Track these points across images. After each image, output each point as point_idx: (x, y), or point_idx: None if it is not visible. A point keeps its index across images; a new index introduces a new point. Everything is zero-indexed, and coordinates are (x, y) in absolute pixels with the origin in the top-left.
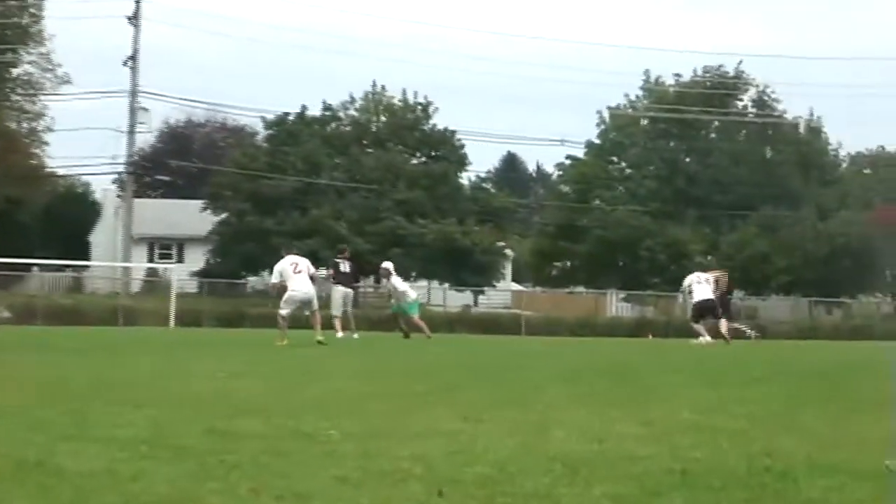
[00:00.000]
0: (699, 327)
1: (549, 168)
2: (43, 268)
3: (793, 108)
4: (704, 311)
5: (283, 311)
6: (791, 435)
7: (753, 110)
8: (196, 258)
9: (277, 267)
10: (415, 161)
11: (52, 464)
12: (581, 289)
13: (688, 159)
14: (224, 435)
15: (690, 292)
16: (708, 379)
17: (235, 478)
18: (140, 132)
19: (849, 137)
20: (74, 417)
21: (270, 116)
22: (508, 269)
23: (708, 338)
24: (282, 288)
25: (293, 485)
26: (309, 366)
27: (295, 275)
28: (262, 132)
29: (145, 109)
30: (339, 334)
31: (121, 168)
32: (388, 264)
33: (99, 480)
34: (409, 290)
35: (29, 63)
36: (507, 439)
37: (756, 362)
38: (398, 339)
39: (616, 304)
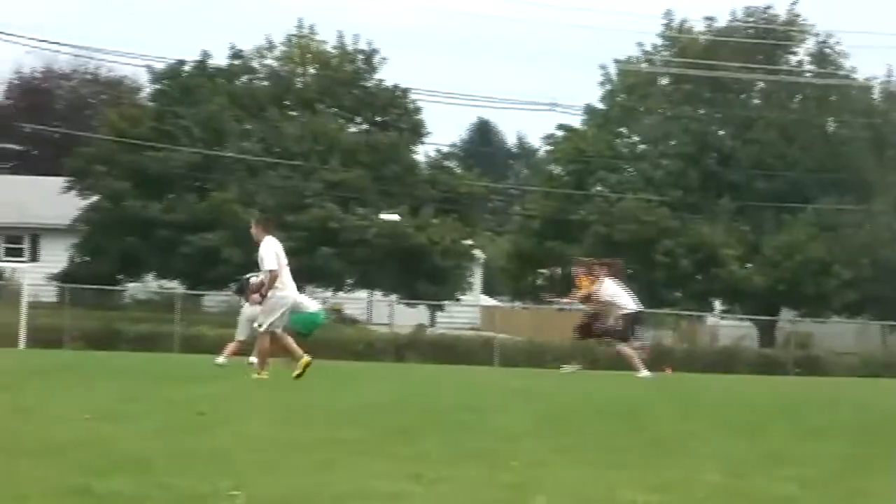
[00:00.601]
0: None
1: (535, 141)
2: None
3: (864, 65)
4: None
5: (267, 326)
6: None
7: (811, 68)
8: (55, 255)
9: (275, 248)
10: (353, 129)
11: None
12: (576, 305)
13: (721, 132)
14: (88, 496)
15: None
16: (743, 428)
17: None
18: None
19: None
20: None
21: (159, 66)
22: (477, 278)
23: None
24: (258, 285)
25: None
26: (206, 404)
27: (284, 267)
28: (148, 87)
29: None
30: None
31: None
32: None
33: None
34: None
35: None
36: None
37: (809, 406)
38: (325, 370)
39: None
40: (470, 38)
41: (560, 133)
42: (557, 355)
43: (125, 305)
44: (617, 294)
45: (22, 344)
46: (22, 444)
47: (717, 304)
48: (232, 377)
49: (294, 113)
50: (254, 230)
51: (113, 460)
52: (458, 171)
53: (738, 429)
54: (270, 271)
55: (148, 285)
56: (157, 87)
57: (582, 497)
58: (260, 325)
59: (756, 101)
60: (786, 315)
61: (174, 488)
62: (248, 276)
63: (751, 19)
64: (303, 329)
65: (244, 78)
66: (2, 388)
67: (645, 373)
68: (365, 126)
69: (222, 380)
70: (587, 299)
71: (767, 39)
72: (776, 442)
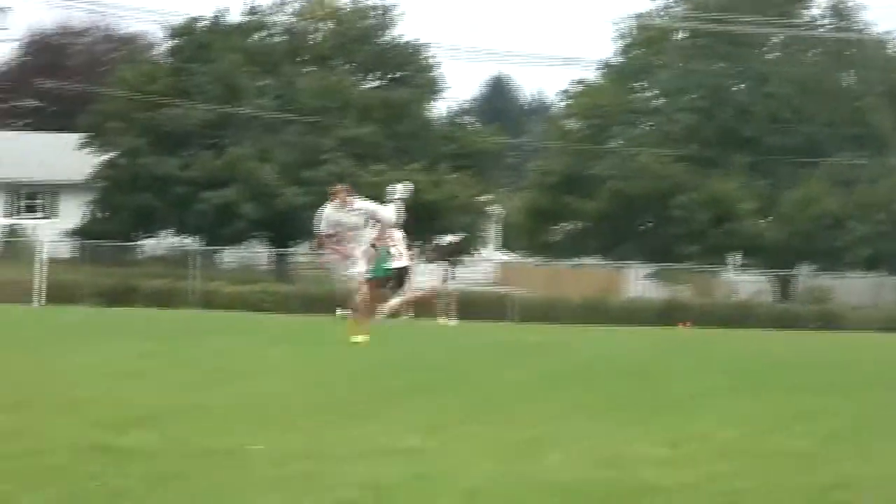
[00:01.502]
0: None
1: (551, 97)
2: None
3: (882, 19)
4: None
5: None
6: (867, 461)
7: (827, 21)
8: (72, 212)
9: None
10: (369, 85)
11: None
12: (591, 260)
13: (737, 87)
14: (107, 452)
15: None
16: (756, 384)
17: None
18: None
19: None
20: None
21: (174, 22)
22: (493, 233)
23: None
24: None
25: None
26: (225, 361)
27: None
28: (164, 43)
29: (5, 10)
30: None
31: None
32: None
33: None
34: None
35: None
36: (485, 461)
37: (825, 361)
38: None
39: (638, 282)
40: None
41: (576, 88)
42: (574, 311)
43: (141, 261)
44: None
45: (39, 301)
46: (41, 400)
47: (733, 259)
48: (248, 333)
49: (309, 69)
50: (342, 197)
51: (130, 416)
52: (474, 127)
53: (754, 384)
54: (395, 221)
55: (164, 241)
56: (172, 43)
57: (596, 452)
58: (354, 275)
59: (772, 56)
60: (801, 270)
61: (191, 443)
62: (445, 239)
63: None
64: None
65: (259, 34)
66: (20, 345)
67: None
68: (380, 82)
69: (238, 336)
70: None
71: None
72: (791, 397)
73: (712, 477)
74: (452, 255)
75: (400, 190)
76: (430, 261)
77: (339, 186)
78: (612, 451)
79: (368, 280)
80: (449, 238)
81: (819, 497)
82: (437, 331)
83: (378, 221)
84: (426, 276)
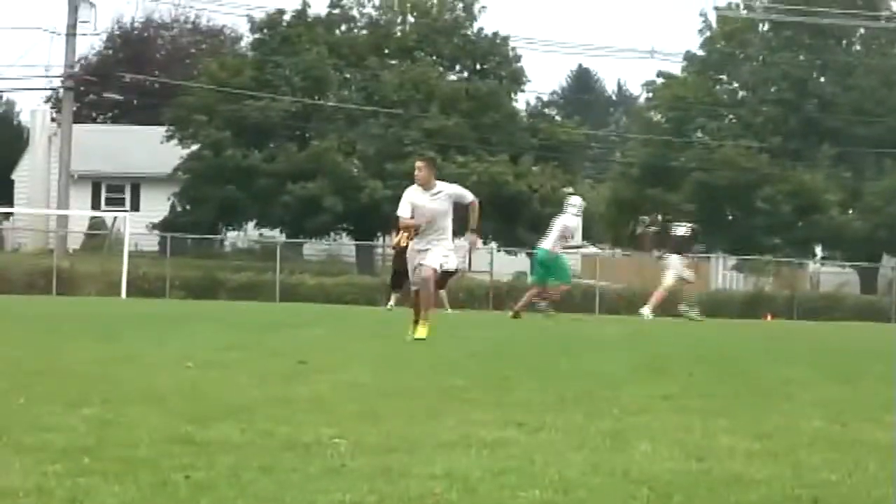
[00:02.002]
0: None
1: (634, 89)
2: None
3: None
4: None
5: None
6: None
7: None
8: (156, 204)
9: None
10: (453, 77)
11: None
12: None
13: (822, 79)
14: (192, 444)
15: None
16: (845, 375)
17: (207, 502)
18: (83, 34)
19: None
20: None
21: (259, 15)
22: (577, 226)
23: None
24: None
25: None
26: (307, 353)
27: None
28: (248, 36)
29: (90, 4)
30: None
31: (56, 82)
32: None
33: (25, 502)
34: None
35: None
36: (573, 453)
37: None
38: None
39: (723, 274)
40: None
41: (659, 80)
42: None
43: (225, 254)
44: None
45: (123, 293)
46: (128, 393)
47: (818, 251)
48: (332, 325)
49: (393, 62)
50: (425, 175)
51: (215, 408)
52: (558, 119)
53: (840, 375)
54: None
55: (248, 234)
56: (257, 36)
57: (683, 444)
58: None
59: (856, 48)
60: (887, 262)
61: (276, 436)
62: (678, 230)
63: None
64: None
65: (344, 27)
66: (107, 338)
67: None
68: (465, 74)
69: (322, 328)
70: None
71: None
72: (878, 388)
73: (800, 468)
74: (685, 246)
75: (579, 203)
76: (671, 253)
77: (421, 162)
78: (699, 442)
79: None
80: (681, 229)
81: None
82: (522, 324)
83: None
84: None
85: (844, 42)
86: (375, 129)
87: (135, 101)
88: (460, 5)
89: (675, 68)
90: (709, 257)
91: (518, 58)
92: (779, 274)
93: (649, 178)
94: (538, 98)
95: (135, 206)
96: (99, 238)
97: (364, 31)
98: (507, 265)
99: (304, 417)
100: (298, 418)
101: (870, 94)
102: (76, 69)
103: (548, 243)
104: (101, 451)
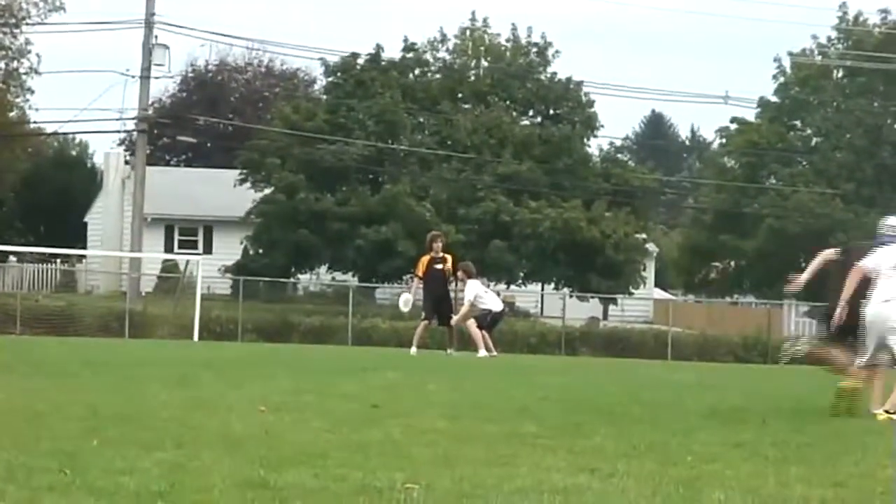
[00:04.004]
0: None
1: (708, 134)
2: (23, 257)
3: None
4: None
5: None
6: None
7: None
8: (229, 248)
9: None
10: (526, 122)
11: None
12: (749, 298)
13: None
14: (265, 489)
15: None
16: None
17: None
18: (156, 77)
19: None
20: (64, 462)
21: (333, 59)
22: (650, 271)
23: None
24: None
25: None
26: (380, 397)
27: None
28: (322, 80)
29: (164, 47)
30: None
31: (130, 125)
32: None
33: None
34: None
35: None
36: (646, 501)
37: None
38: (496, 362)
39: (796, 320)
40: (643, 30)
41: (733, 126)
42: (732, 349)
43: (298, 298)
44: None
45: (196, 336)
46: (202, 437)
47: None
48: (405, 369)
49: (467, 106)
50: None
51: (288, 452)
52: (632, 164)
53: None
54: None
55: (321, 278)
56: (331, 80)
57: (757, 492)
58: None
59: None
60: None
61: (350, 480)
62: None
63: None
64: None
65: (417, 71)
66: (180, 382)
67: (483, 353)
68: (538, 119)
69: (396, 372)
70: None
71: None
72: None
73: None
74: None
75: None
76: None
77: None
78: (774, 491)
79: None
80: None
81: None
82: (594, 369)
83: None
84: None
85: None
86: (448, 174)
87: (208, 144)
88: (534, 50)
89: (749, 114)
90: (782, 304)
91: (591, 103)
92: None
93: (722, 224)
94: (611, 143)
95: (207, 249)
96: (171, 281)
97: (437, 76)
98: (578, 310)
99: (376, 462)
100: (371, 463)
101: None
102: (150, 112)
103: None
104: (175, 496)
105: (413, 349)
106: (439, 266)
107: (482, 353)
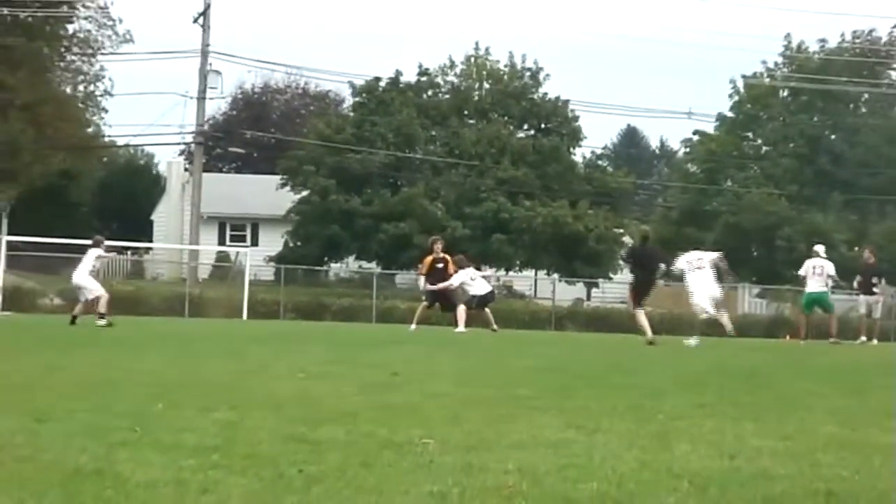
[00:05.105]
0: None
1: (674, 144)
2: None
3: None
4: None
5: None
6: None
7: None
8: (272, 241)
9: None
10: (521, 134)
11: (111, 473)
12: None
13: (833, 136)
14: (305, 443)
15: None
16: (852, 387)
17: (318, 492)
18: (211, 98)
19: None
20: (134, 421)
21: (359, 82)
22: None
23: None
24: None
25: (384, 501)
26: (399, 366)
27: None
28: (350, 100)
29: (217, 72)
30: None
31: (188, 138)
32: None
33: (164, 492)
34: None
35: (85, 18)
36: (625, 452)
37: None
38: (497, 337)
39: (749, 300)
40: (620, 56)
41: (696, 137)
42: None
43: (330, 283)
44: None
45: (244, 315)
46: (251, 400)
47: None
48: (421, 343)
49: (471, 121)
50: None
51: (324, 412)
52: (610, 169)
53: (851, 387)
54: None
55: (349, 266)
56: (357, 99)
57: (717, 445)
58: None
59: (862, 110)
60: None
61: (376, 436)
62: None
63: (857, 40)
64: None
65: (430, 92)
66: (232, 354)
67: (461, 328)
68: (531, 132)
69: (411, 345)
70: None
71: (871, 57)
72: (882, 398)
73: (816, 465)
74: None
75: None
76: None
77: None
78: (731, 443)
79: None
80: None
81: None
82: (580, 343)
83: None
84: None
85: (852, 105)
86: (456, 178)
87: (254, 154)
88: (528, 74)
89: (709, 127)
90: (737, 287)
91: (576, 118)
92: (796, 301)
93: (686, 220)
94: (592, 152)
95: (254, 243)
96: (224, 269)
97: (447, 96)
98: (566, 292)
99: (398, 421)
100: (394, 422)
101: (874, 149)
102: (205, 127)
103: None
104: (228, 449)
105: (413, 326)
106: (440, 265)
107: (461, 328)
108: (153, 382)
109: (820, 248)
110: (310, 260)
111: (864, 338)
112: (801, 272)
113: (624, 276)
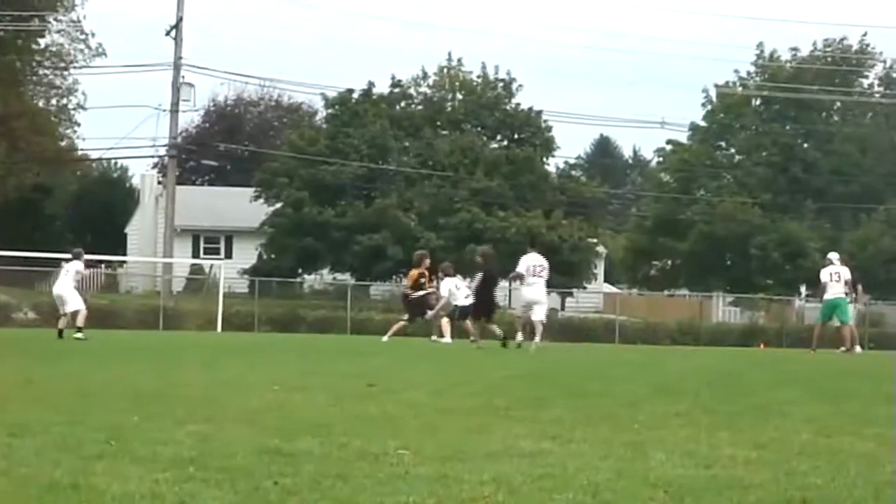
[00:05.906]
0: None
1: (648, 154)
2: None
3: None
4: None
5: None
6: None
7: (880, 90)
8: (246, 253)
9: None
10: (495, 145)
11: (86, 486)
12: (683, 291)
13: (805, 145)
14: (280, 455)
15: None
16: (828, 394)
17: None
18: (184, 111)
19: None
20: (110, 434)
21: (332, 94)
22: (600, 269)
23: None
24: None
25: None
26: (375, 377)
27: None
28: (323, 111)
29: (190, 85)
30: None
31: (162, 151)
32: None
33: None
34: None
35: (58, 32)
36: (600, 462)
37: (884, 376)
38: (476, 348)
39: (723, 309)
40: (592, 66)
41: (669, 146)
42: (669, 334)
43: (305, 294)
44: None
45: (219, 327)
46: (225, 412)
47: (803, 290)
48: (396, 354)
49: (445, 132)
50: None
51: (298, 424)
52: (583, 179)
53: (826, 395)
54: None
55: (324, 278)
56: (330, 111)
57: (693, 454)
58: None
59: (834, 119)
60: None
61: (351, 448)
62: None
63: (829, 49)
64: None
65: (403, 103)
66: (206, 365)
67: (447, 340)
68: (504, 143)
69: (386, 355)
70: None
71: (843, 66)
72: (858, 406)
73: (791, 473)
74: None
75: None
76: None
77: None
78: (706, 452)
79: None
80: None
81: (879, 491)
82: (554, 352)
83: None
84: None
85: (824, 114)
86: (429, 189)
87: (228, 167)
88: (500, 85)
89: (682, 136)
90: (710, 296)
91: (549, 128)
92: (770, 309)
93: (660, 229)
94: (566, 162)
95: (228, 255)
96: (198, 282)
97: (420, 107)
98: None
99: (373, 432)
100: (369, 432)
101: (846, 158)
102: (179, 140)
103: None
104: (204, 462)
105: (385, 337)
106: (423, 280)
107: (447, 339)
108: (128, 395)
109: (833, 256)
110: (284, 272)
111: (847, 346)
112: (823, 279)
113: (598, 286)
